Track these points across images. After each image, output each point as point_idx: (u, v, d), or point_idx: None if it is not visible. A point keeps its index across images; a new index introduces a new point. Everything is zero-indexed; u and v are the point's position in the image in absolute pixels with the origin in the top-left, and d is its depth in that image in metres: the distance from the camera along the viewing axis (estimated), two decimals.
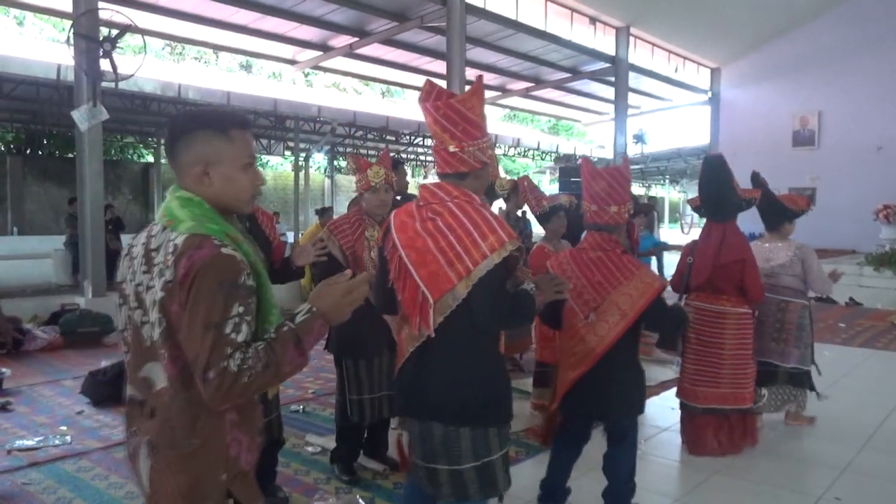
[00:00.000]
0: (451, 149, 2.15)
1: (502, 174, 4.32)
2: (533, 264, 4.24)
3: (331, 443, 3.82)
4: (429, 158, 23.60)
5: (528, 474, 3.70)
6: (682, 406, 4.12)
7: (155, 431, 1.52)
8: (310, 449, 4.06)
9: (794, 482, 3.67)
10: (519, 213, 5.86)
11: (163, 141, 2.69)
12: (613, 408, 2.99)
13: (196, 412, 1.51)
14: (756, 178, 4.33)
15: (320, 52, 14.59)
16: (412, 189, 4.77)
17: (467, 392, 2.12)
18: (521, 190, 5.06)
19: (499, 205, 5.56)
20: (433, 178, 2.42)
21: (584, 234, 3.16)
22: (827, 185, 16.61)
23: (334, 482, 3.56)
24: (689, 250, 4.14)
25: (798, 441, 4.35)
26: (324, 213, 10.38)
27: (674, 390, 4.25)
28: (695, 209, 4.26)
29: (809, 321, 4.43)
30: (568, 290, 2.47)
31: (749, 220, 4.47)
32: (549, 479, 3.19)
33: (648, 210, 5.40)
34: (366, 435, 3.73)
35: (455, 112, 2.15)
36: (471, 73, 15.17)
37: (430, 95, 2.20)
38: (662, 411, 4.79)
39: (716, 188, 3.95)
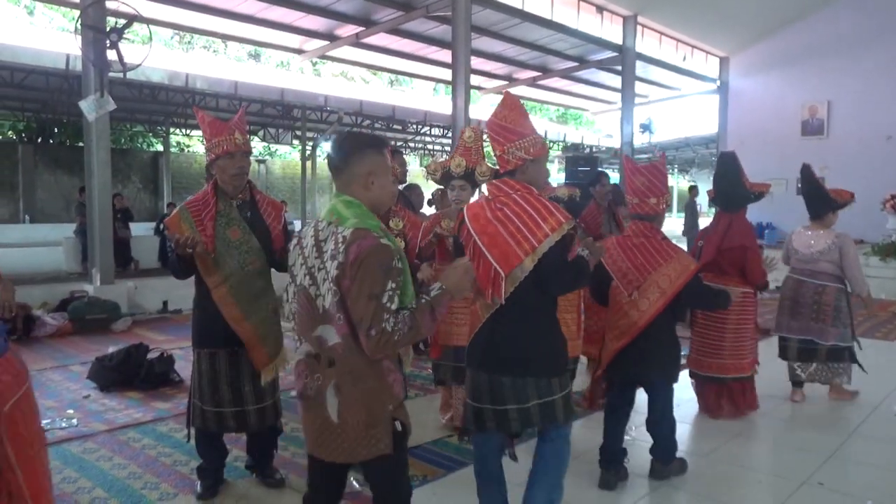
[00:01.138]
0: (498, 152, 2.65)
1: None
2: None
3: None
4: (436, 147, 23.63)
5: (521, 460, 3.79)
6: (693, 375, 4.60)
7: (338, 376, 2.05)
8: None
9: (779, 468, 3.74)
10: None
11: (199, 135, 2.78)
12: (652, 374, 3.42)
13: (367, 360, 2.03)
14: (806, 171, 4.84)
15: (327, 42, 14.63)
16: (419, 179, 4.84)
17: (531, 349, 2.54)
18: None
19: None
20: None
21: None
22: (835, 174, 16.42)
23: None
24: (701, 235, 4.68)
25: (787, 428, 4.43)
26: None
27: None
28: (711, 200, 4.68)
29: (847, 303, 4.81)
30: (604, 252, 3.01)
31: (757, 212, 4.65)
32: (605, 442, 3.53)
33: None
34: None
35: (495, 124, 2.66)
36: (476, 62, 15.19)
37: (491, 116, 2.73)
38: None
39: (727, 181, 4.43)
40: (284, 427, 3.72)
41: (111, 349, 5.52)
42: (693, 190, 15.10)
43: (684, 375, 4.19)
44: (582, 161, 16.69)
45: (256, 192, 3.30)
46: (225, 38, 16.02)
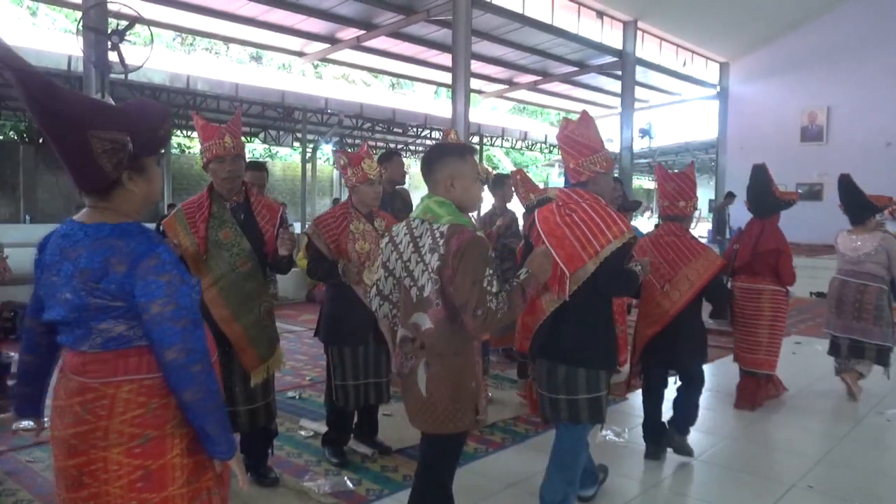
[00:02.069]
0: (571, 165, 2.90)
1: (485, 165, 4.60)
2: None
3: (323, 427, 3.94)
4: None
5: (511, 460, 3.83)
6: (739, 369, 4.95)
7: (428, 356, 2.30)
8: (303, 433, 4.19)
9: (769, 470, 3.77)
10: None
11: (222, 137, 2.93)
12: (682, 357, 3.77)
13: (455, 342, 2.30)
14: (846, 180, 5.14)
15: (328, 45, 14.69)
16: (421, 181, 4.87)
17: (587, 342, 2.78)
18: (512, 183, 5.15)
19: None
20: None
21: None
22: (835, 180, 16.48)
23: (324, 464, 3.70)
24: (736, 239, 5.04)
25: (778, 431, 4.45)
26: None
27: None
28: (748, 209, 4.98)
29: (888, 303, 5.03)
30: (648, 271, 3.22)
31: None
32: (646, 420, 3.89)
33: (636, 207, 5.61)
34: (356, 420, 3.87)
35: (569, 138, 2.91)
36: (477, 66, 15.24)
37: (562, 129, 2.97)
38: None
39: (758, 191, 4.83)
40: (279, 428, 3.74)
41: None
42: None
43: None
44: None
45: (252, 194, 3.34)
46: (226, 40, 16.07)
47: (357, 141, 21.46)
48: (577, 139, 2.90)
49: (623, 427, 4.29)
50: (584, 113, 3.02)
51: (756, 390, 4.85)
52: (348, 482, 3.44)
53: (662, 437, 3.83)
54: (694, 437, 3.99)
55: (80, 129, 1.59)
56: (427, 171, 2.41)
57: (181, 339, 1.61)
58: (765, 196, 4.80)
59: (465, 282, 2.19)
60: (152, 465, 1.66)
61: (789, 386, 5.18)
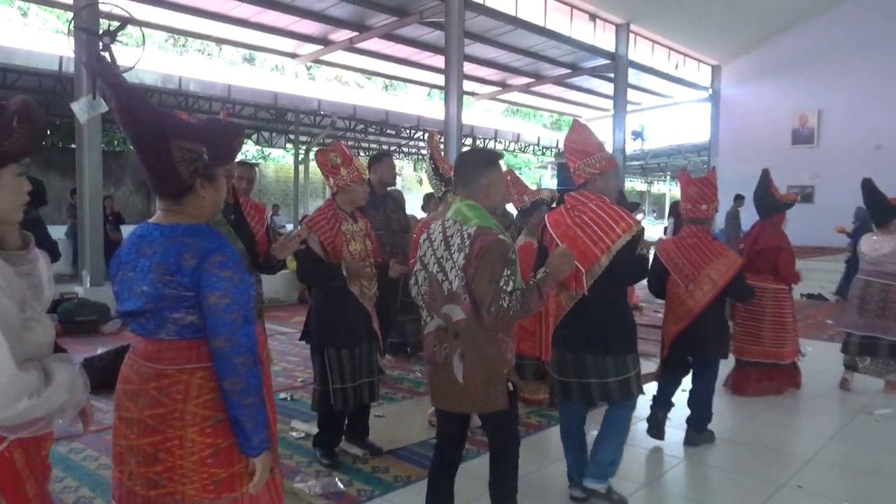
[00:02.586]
0: (571, 168, 3.16)
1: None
2: (523, 259, 4.44)
3: (314, 429, 3.93)
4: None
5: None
6: (736, 360, 5.24)
7: (463, 346, 2.52)
8: (294, 434, 4.19)
9: (759, 470, 3.78)
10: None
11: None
12: (705, 350, 4.07)
13: (486, 332, 2.50)
14: (868, 184, 5.37)
15: (321, 46, 14.68)
16: (413, 183, 4.89)
17: (608, 330, 3.04)
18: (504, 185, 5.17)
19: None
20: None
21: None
22: (826, 183, 16.68)
23: (315, 465, 3.69)
24: (742, 240, 5.40)
25: (768, 431, 4.47)
26: None
27: (652, 384, 4.38)
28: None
29: None
30: (648, 249, 3.45)
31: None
32: (658, 393, 4.22)
33: (633, 209, 5.62)
34: (347, 421, 3.86)
35: (568, 147, 3.20)
36: (470, 68, 15.27)
37: (565, 138, 3.25)
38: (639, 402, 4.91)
39: (759, 193, 5.22)
40: None
41: (100, 350, 5.52)
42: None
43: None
44: None
45: (240, 195, 3.33)
46: (219, 41, 16.04)
47: (350, 143, 21.46)
48: (573, 145, 3.17)
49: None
50: (576, 121, 3.31)
51: (754, 378, 5.17)
52: (339, 483, 3.44)
53: (668, 408, 4.22)
54: (680, 437, 4.01)
55: (164, 139, 1.78)
56: (465, 176, 2.63)
57: (229, 330, 1.77)
58: (765, 198, 5.18)
59: (482, 280, 2.42)
60: (222, 444, 1.83)
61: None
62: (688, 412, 4.15)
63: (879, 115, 16.15)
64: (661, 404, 4.19)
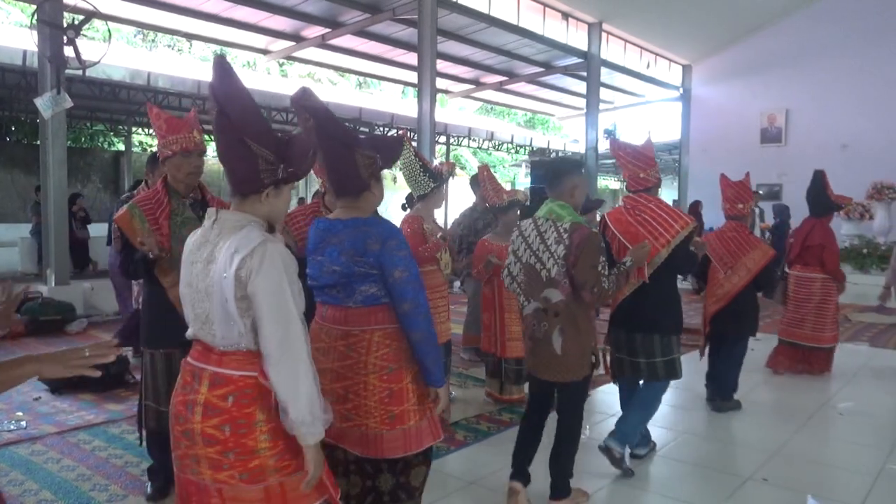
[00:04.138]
0: (641, 175, 3.65)
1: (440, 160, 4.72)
2: (476, 254, 4.58)
3: None
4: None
5: (473, 458, 3.83)
6: (779, 339, 5.94)
7: (561, 323, 3.01)
8: None
9: (725, 464, 3.84)
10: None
11: (203, 133, 3.08)
12: (738, 326, 4.79)
13: (580, 312, 3.04)
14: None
15: (293, 43, 14.52)
16: (387, 181, 4.86)
17: (660, 313, 3.51)
18: (479, 180, 5.17)
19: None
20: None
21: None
22: (793, 182, 16.89)
23: None
24: (793, 235, 6.00)
25: (734, 425, 4.54)
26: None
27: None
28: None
29: None
30: (707, 247, 4.16)
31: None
32: (710, 372, 4.91)
33: (597, 206, 5.70)
34: None
35: (634, 154, 3.68)
36: (443, 66, 15.23)
37: (622, 147, 3.75)
38: (608, 399, 4.94)
39: (815, 193, 5.70)
40: None
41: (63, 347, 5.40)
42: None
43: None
44: (547, 166, 16.86)
45: (207, 192, 3.28)
46: (189, 37, 15.80)
47: None
48: (645, 154, 3.68)
49: (585, 424, 4.31)
50: (648, 140, 3.82)
51: (788, 358, 5.79)
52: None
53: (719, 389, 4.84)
54: (654, 432, 4.05)
55: (350, 149, 2.30)
56: (554, 180, 3.17)
57: (412, 296, 2.28)
58: (820, 198, 5.65)
59: (585, 266, 2.93)
60: (395, 387, 2.34)
61: (746, 381, 5.25)
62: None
63: (845, 115, 16.45)
64: (713, 377, 4.88)
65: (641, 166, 3.63)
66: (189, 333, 1.91)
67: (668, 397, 4.25)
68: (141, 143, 22.99)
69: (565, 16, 15.41)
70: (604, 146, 18.53)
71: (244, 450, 1.77)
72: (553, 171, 3.24)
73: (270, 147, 1.83)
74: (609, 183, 33.95)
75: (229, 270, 1.74)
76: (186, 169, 3.11)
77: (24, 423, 4.30)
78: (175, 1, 11.92)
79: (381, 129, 18.46)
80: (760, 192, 15.04)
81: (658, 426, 4.16)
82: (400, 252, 2.28)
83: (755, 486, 3.52)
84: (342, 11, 12.99)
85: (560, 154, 22.35)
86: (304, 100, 2.31)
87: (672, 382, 3.66)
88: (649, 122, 24.53)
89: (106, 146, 23.25)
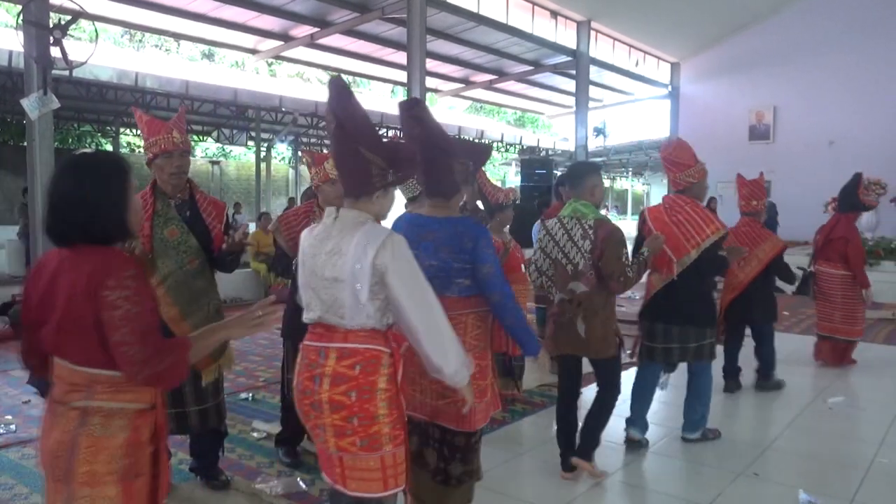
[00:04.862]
0: (671, 177, 3.88)
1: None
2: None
3: (276, 428, 3.89)
4: None
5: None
6: (816, 334, 6.27)
7: (585, 311, 3.34)
8: (255, 434, 4.13)
9: (716, 459, 3.85)
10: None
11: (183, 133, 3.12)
12: (752, 314, 5.16)
13: (602, 301, 3.36)
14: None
15: (281, 42, 14.48)
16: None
17: (692, 307, 3.77)
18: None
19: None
20: None
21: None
22: (781, 178, 17.01)
23: (277, 465, 3.65)
24: (819, 230, 6.21)
25: (725, 421, 4.55)
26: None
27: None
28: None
29: None
30: (745, 253, 4.50)
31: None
32: (726, 364, 5.17)
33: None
34: None
35: (669, 158, 3.89)
36: (432, 65, 15.22)
37: (663, 150, 3.96)
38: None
39: (847, 191, 6.00)
40: (231, 430, 3.67)
41: None
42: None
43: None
44: (537, 164, 16.89)
45: (197, 192, 3.26)
46: (176, 36, 15.70)
47: (313, 140, 21.25)
48: (674, 158, 3.85)
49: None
50: (678, 139, 4.00)
51: (828, 350, 6.05)
52: (301, 483, 3.40)
53: (737, 377, 5.19)
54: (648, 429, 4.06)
55: (450, 157, 2.61)
56: (575, 181, 3.52)
57: (500, 287, 2.59)
58: (850, 196, 5.96)
59: (611, 258, 3.26)
60: (483, 363, 2.66)
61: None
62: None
63: (832, 112, 16.57)
64: (730, 375, 5.16)
65: (675, 169, 3.84)
66: (310, 317, 2.11)
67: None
68: (129, 143, 22.86)
69: (554, 14, 15.44)
70: (593, 144, 18.62)
71: (367, 415, 1.99)
72: (574, 173, 3.59)
73: (382, 154, 2.07)
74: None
75: (364, 262, 1.96)
76: (169, 169, 3.10)
77: (13, 427, 4.27)
78: (162, 0, 11.85)
79: None
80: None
81: (652, 423, 4.17)
82: (489, 250, 2.58)
83: (747, 482, 3.54)
84: (331, 10, 12.97)
85: (549, 153, 22.41)
86: (415, 109, 2.53)
87: (667, 382, 3.94)
88: (638, 120, 24.63)
89: (94, 147, 23.09)
